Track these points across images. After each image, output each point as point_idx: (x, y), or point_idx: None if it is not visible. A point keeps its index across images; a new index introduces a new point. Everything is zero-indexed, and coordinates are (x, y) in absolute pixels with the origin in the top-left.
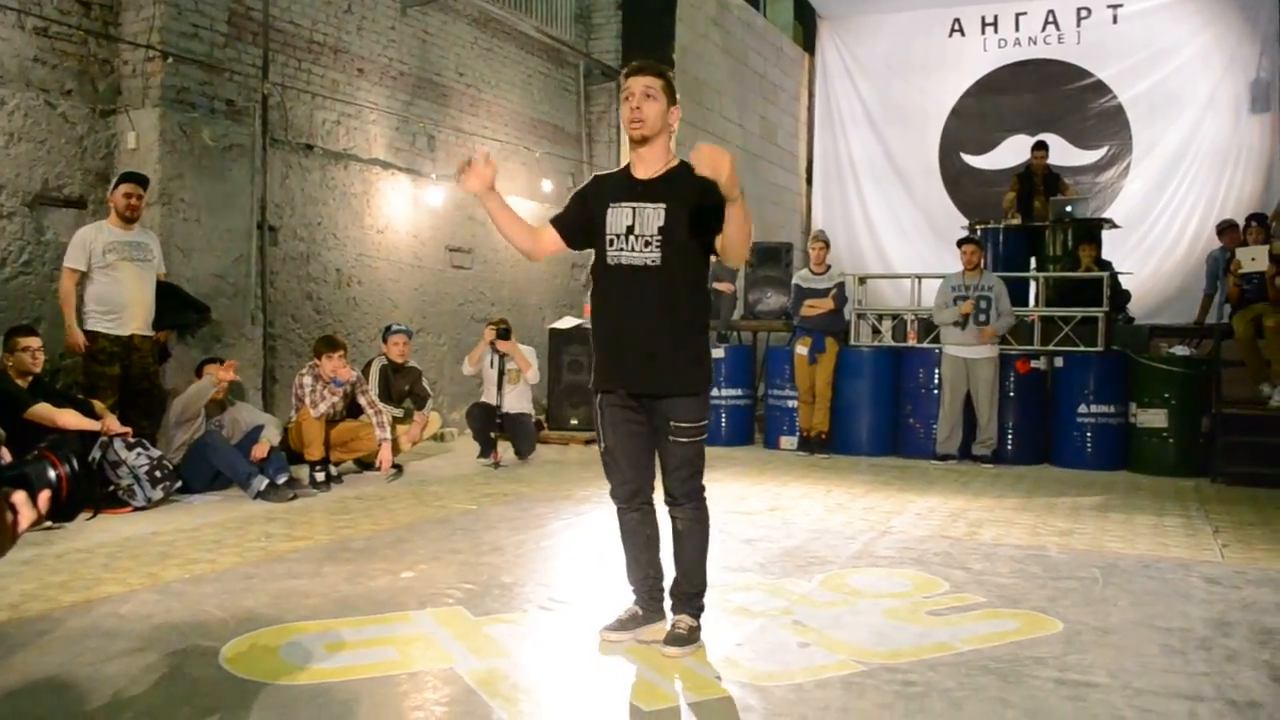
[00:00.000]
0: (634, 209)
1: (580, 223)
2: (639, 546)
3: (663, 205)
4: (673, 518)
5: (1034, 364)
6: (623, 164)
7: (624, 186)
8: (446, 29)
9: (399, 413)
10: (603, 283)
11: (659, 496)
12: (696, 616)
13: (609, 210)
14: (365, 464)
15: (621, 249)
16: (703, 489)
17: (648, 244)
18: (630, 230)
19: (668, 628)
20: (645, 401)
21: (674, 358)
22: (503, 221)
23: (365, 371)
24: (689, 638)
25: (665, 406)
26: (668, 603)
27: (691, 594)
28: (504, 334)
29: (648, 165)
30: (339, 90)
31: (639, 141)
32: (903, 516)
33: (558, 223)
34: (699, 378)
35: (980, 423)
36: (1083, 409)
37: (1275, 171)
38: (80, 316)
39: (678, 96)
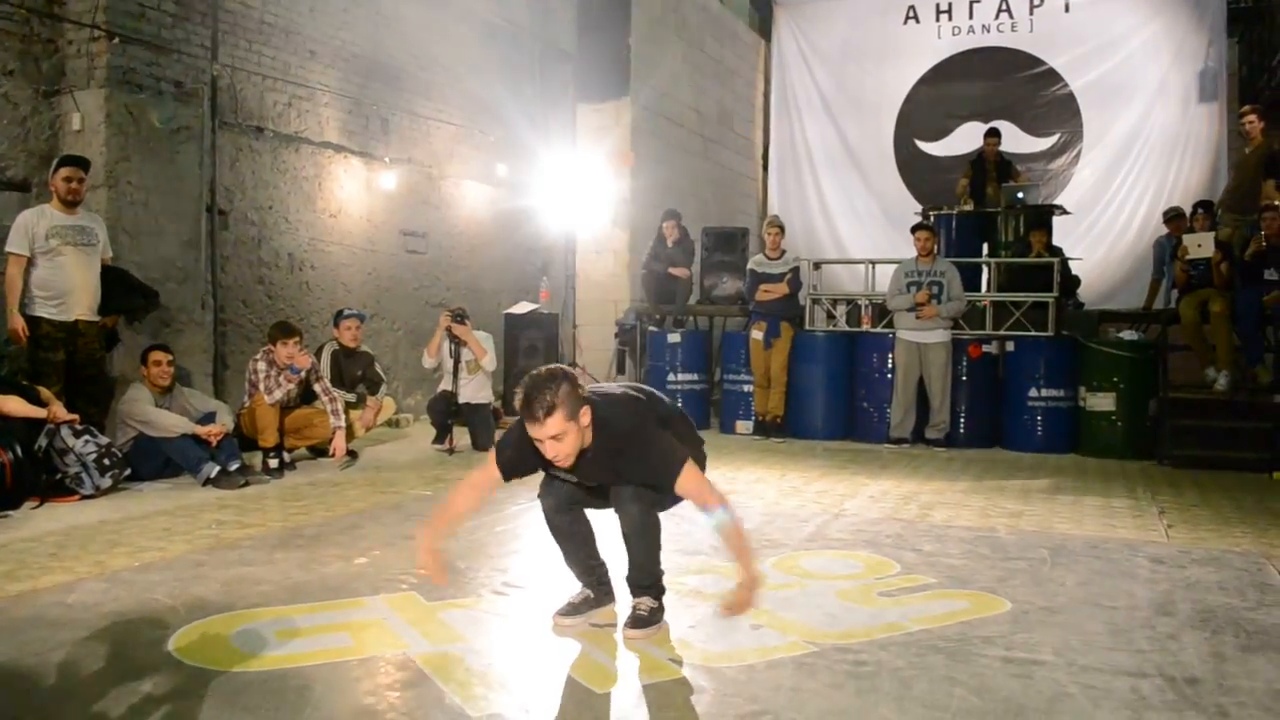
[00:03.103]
0: (577, 483)
1: (528, 469)
2: (575, 542)
3: (594, 483)
4: (621, 519)
5: (985, 348)
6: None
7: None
8: (400, 11)
9: (351, 398)
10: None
11: None
12: (658, 597)
13: (552, 473)
14: (319, 450)
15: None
16: (650, 501)
17: (589, 490)
18: (576, 483)
19: (628, 610)
20: None
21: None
22: (454, 523)
23: (316, 356)
24: (650, 619)
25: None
26: (619, 586)
27: (644, 584)
28: (459, 319)
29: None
30: (290, 72)
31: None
32: (856, 499)
33: (509, 474)
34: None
35: (933, 406)
36: (1033, 393)
37: (1222, 160)
38: (23, 302)
39: (578, 393)
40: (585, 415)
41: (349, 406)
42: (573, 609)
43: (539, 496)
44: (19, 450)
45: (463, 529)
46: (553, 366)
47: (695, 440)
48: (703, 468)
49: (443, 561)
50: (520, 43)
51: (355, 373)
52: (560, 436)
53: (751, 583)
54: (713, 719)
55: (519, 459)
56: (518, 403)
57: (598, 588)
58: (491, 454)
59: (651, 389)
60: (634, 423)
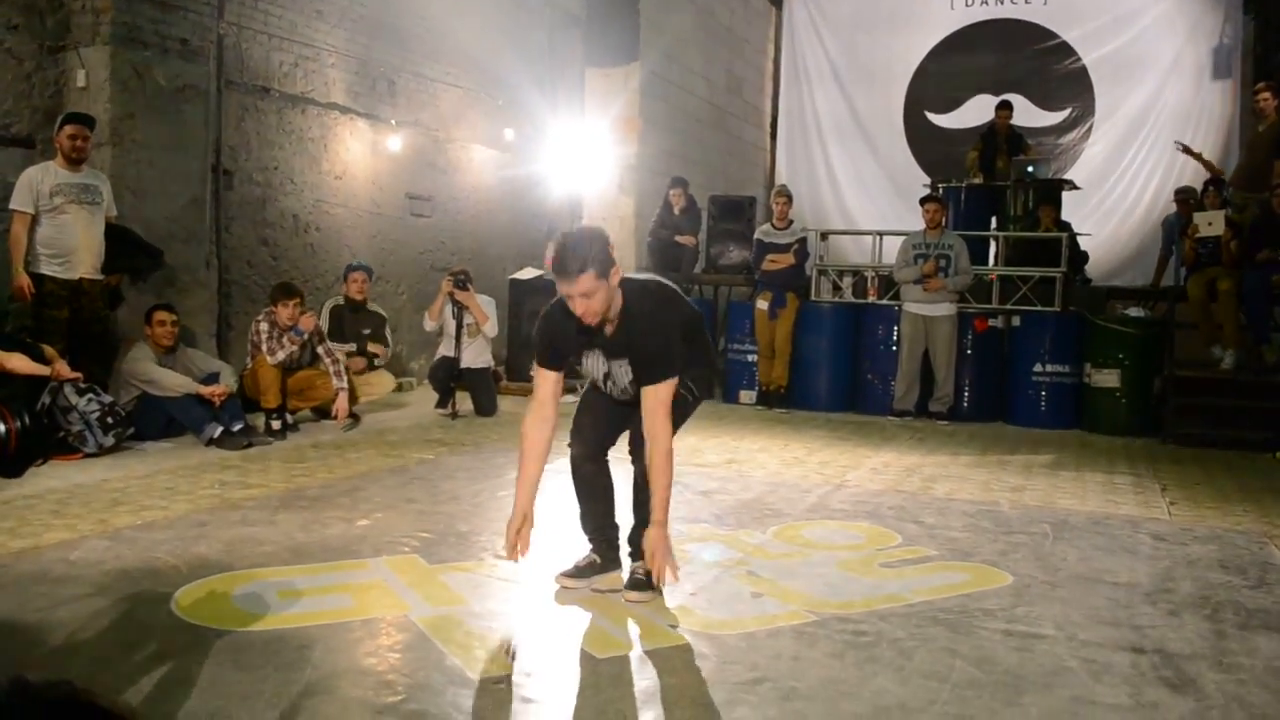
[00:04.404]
0: (606, 361)
1: (565, 351)
2: (595, 498)
3: (625, 360)
4: (634, 466)
5: (991, 323)
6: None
7: (589, 338)
8: None
9: (350, 348)
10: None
11: (616, 454)
12: None
13: (584, 355)
14: (322, 412)
15: (603, 387)
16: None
17: (624, 390)
18: (607, 376)
19: (629, 573)
20: None
21: None
22: (536, 472)
23: (319, 313)
24: (649, 583)
25: None
26: (625, 551)
27: None
28: (461, 284)
29: (606, 320)
30: (297, 32)
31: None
32: (858, 471)
33: (548, 362)
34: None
35: (937, 380)
36: (1038, 368)
37: (1234, 138)
38: (27, 259)
39: (609, 252)
40: (616, 275)
41: (349, 356)
42: (578, 572)
43: (569, 445)
44: (27, 418)
45: (466, 493)
46: (587, 225)
47: (706, 354)
48: (710, 385)
49: (528, 535)
50: (529, 5)
51: (362, 330)
52: (590, 294)
53: (660, 534)
54: (713, 686)
55: (551, 340)
56: (549, 260)
57: (606, 552)
58: (534, 367)
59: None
60: (655, 305)
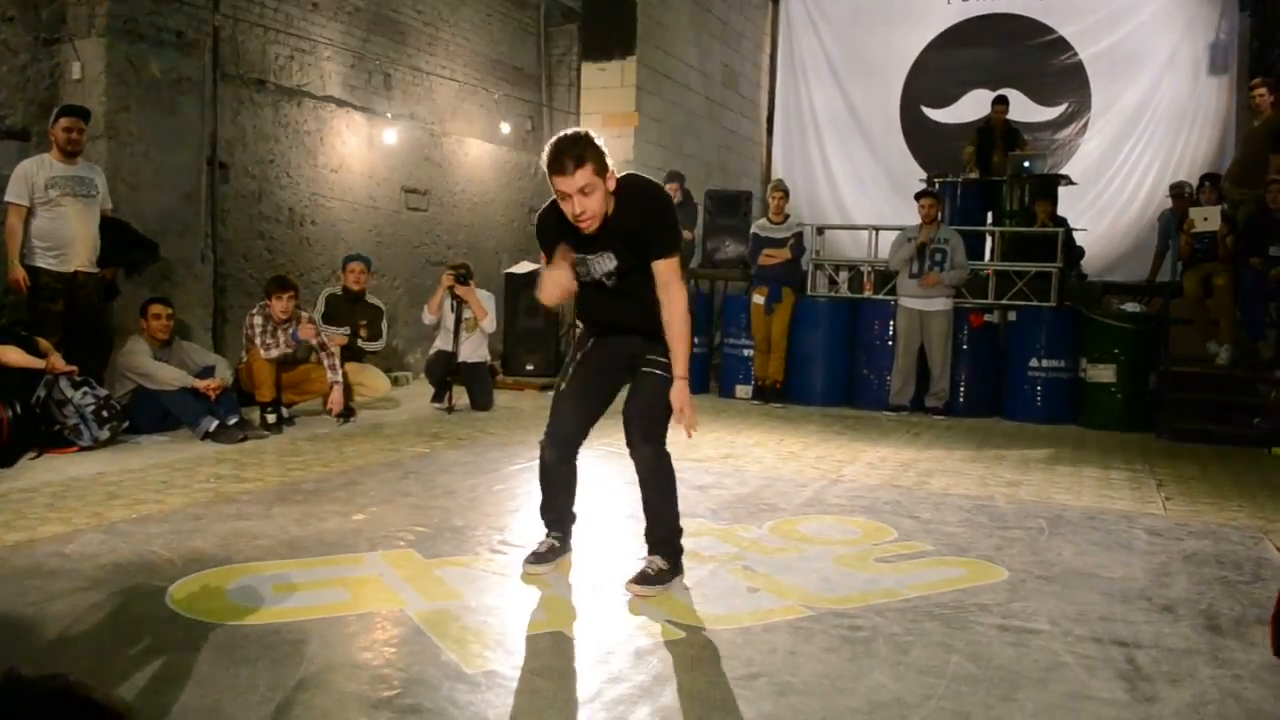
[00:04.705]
0: (585, 258)
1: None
2: (559, 492)
3: (610, 252)
4: (635, 463)
5: (987, 318)
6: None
7: (573, 234)
8: None
9: (345, 330)
10: (581, 290)
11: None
12: (670, 559)
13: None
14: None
15: (583, 276)
16: (664, 435)
17: (607, 276)
18: (587, 270)
19: (638, 566)
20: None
21: (650, 343)
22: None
23: (313, 301)
24: (656, 579)
25: (644, 352)
26: (638, 544)
27: (662, 538)
28: (462, 279)
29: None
30: (293, 24)
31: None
32: (854, 466)
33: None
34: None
35: (933, 375)
36: (1034, 363)
37: (1230, 133)
38: (22, 252)
39: (604, 152)
40: (612, 180)
41: (345, 339)
42: (539, 558)
43: (541, 445)
44: (18, 407)
45: (462, 487)
46: (580, 129)
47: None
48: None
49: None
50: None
51: (359, 321)
52: (588, 190)
53: (683, 386)
54: (709, 681)
55: (549, 241)
56: (545, 161)
57: (563, 537)
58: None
59: None
60: (656, 188)
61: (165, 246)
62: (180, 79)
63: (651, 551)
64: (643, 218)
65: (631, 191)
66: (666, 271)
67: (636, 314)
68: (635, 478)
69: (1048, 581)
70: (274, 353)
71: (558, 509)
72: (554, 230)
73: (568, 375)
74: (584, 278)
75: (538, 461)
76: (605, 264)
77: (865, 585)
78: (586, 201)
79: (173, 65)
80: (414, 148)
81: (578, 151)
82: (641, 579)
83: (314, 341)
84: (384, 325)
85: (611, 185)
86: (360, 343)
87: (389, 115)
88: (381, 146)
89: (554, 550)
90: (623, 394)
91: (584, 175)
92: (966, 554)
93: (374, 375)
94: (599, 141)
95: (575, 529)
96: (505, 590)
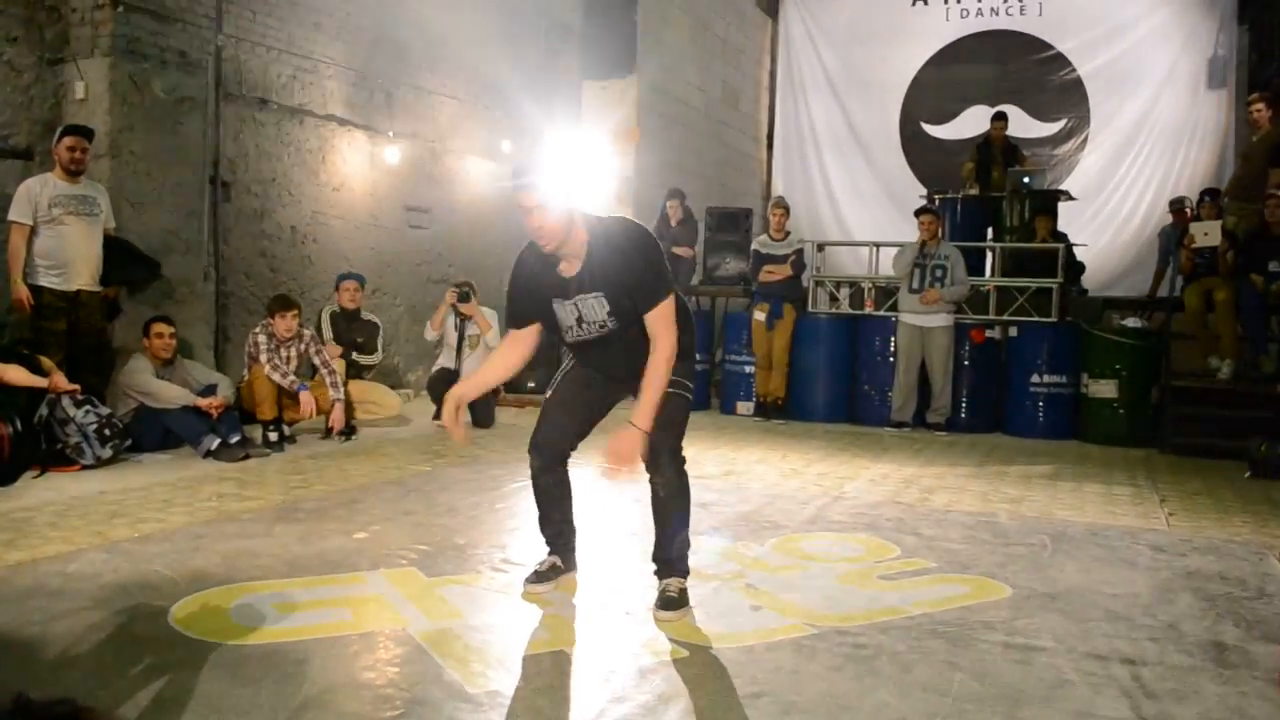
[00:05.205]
0: (576, 303)
1: (534, 311)
2: (553, 504)
3: (601, 293)
4: (651, 483)
5: (988, 333)
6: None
7: (557, 282)
8: None
9: (339, 347)
10: (571, 349)
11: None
12: (685, 577)
13: (554, 304)
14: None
15: (579, 334)
16: (680, 450)
17: (602, 325)
18: (580, 320)
19: (657, 591)
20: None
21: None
22: (492, 379)
23: (317, 325)
24: (680, 600)
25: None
26: (647, 564)
27: (675, 558)
28: (465, 297)
29: (570, 261)
30: (295, 44)
31: (553, 251)
32: (856, 482)
33: (518, 321)
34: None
35: (934, 391)
36: (1035, 379)
37: (1229, 148)
38: (25, 271)
39: (559, 199)
40: (570, 215)
41: (340, 353)
42: (540, 577)
43: (529, 451)
44: (19, 424)
45: (464, 505)
46: (543, 165)
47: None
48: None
49: (464, 421)
50: (526, 18)
51: (356, 339)
52: (539, 212)
53: (634, 436)
54: (712, 700)
55: (521, 291)
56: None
57: (565, 554)
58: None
59: None
60: (637, 230)
61: (167, 265)
62: (183, 98)
63: (665, 572)
64: (623, 268)
65: (607, 240)
66: (655, 323)
67: (631, 359)
68: (636, 494)
69: (1051, 598)
70: (275, 378)
71: (554, 523)
72: (530, 275)
73: (556, 384)
74: (575, 336)
75: None
76: (598, 311)
77: (869, 603)
78: (544, 218)
79: (176, 85)
80: (415, 166)
81: (527, 180)
82: (667, 604)
83: (309, 407)
84: (379, 340)
85: (570, 219)
86: (355, 356)
87: (391, 133)
88: (383, 164)
89: (555, 569)
90: (621, 409)
91: (530, 200)
92: (969, 571)
93: (384, 393)
94: (555, 182)
95: (578, 545)
96: (507, 609)
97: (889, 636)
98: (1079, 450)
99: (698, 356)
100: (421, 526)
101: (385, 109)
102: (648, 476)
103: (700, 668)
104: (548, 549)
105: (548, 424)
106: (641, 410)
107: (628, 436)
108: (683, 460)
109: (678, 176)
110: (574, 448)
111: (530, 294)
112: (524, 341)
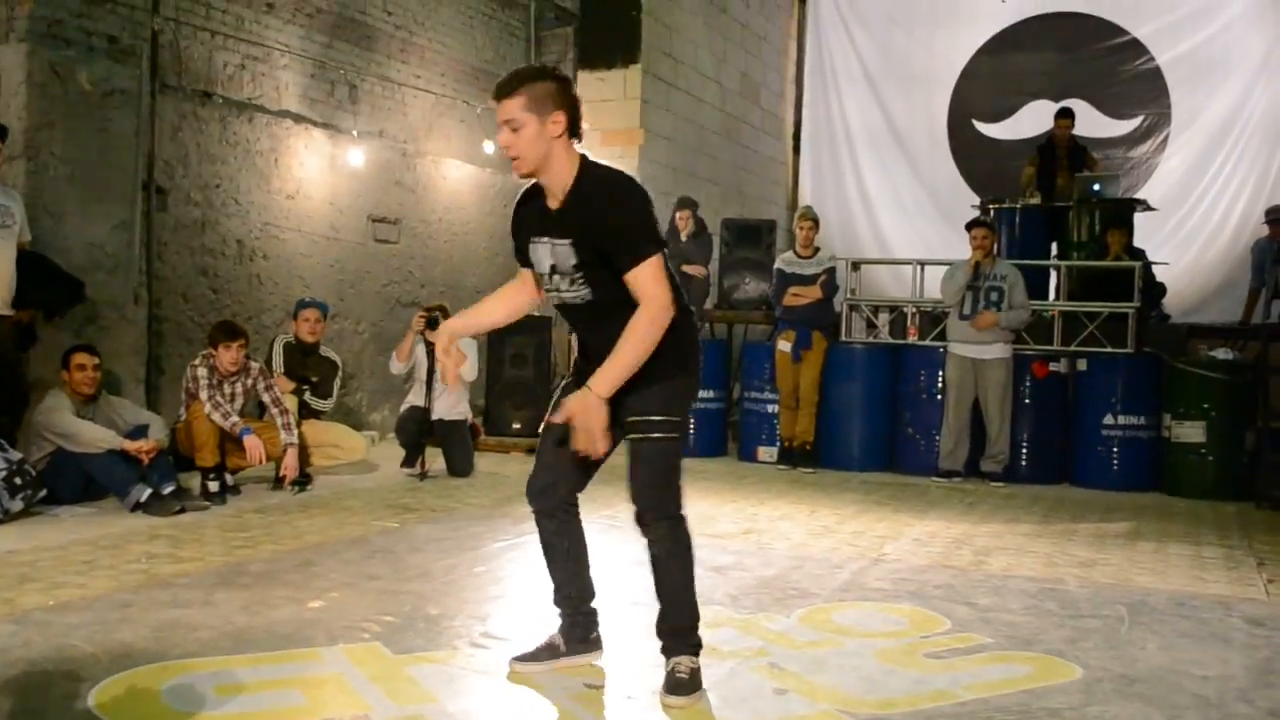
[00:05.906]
0: (550, 245)
1: (523, 247)
2: (555, 561)
3: (569, 240)
4: (648, 542)
5: (1053, 366)
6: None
7: (538, 216)
8: None
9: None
10: (562, 315)
11: (619, 513)
12: (696, 654)
13: (530, 245)
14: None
15: (551, 289)
16: (677, 505)
17: (573, 281)
18: (554, 269)
19: (666, 672)
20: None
21: (637, 387)
22: (494, 317)
23: (268, 357)
24: (692, 682)
25: (624, 399)
26: (652, 640)
27: (682, 629)
28: (435, 323)
29: (553, 193)
30: (244, 28)
31: (528, 176)
32: (898, 543)
33: (520, 257)
34: (661, 367)
35: (990, 434)
36: (1109, 420)
37: None
38: None
39: (559, 99)
40: (558, 124)
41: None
42: (532, 656)
43: (525, 490)
44: None
45: (438, 569)
46: (548, 66)
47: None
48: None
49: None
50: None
51: (310, 377)
52: (515, 125)
53: (590, 401)
54: None
55: (514, 226)
56: None
57: (570, 629)
58: None
59: None
60: (629, 179)
61: (92, 285)
62: (113, 91)
63: (672, 649)
64: (601, 211)
65: (594, 180)
66: (639, 281)
67: (611, 339)
68: (641, 556)
69: (1130, 681)
70: (230, 419)
71: (555, 581)
72: (520, 210)
73: (551, 407)
74: (552, 289)
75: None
76: (566, 257)
77: (913, 686)
78: (514, 139)
79: (104, 75)
80: (383, 170)
81: (513, 83)
82: (676, 688)
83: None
84: (336, 383)
85: (556, 130)
86: (307, 397)
87: (355, 133)
88: (346, 169)
89: (553, 650)
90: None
91: (512, 107)
92: (1032, 648)
93: (346, 434)
94: (555, 85)
95: (599, 623)
96: (489, 693)
97: None
98: (1160, 504)
99: (710, 393)
100: (388, 593)
101: (348, 104)
102: (641, 534)
103: None
104: (558, 623)
105: (539, 460)
106: (602, 372)
107: (581, 398)
108: (678, 514)
109: (688, 183)
110: (574, 488)
111: (518, 225)
112: (531, 284)
